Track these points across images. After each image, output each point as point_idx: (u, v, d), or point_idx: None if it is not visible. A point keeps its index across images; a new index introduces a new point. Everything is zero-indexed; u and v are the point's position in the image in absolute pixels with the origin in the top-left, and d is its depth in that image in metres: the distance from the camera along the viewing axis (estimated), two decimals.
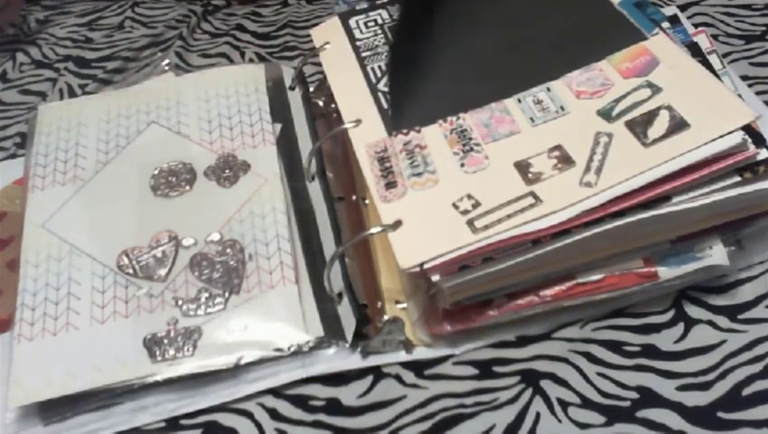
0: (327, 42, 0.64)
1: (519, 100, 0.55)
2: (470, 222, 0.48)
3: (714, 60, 0.58)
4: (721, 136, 0.47)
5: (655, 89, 0.52)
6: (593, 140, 0.50)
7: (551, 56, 0.57)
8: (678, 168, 0.47)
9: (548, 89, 0.55)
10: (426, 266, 0.46)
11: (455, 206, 0.49)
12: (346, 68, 0.61)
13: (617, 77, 0.54)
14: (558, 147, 0.51)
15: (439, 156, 0.52)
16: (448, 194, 0.50)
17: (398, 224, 0.49)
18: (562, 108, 0.53)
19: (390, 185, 0.51)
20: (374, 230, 0.50)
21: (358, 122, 0.56)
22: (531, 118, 0.53)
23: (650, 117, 0.50)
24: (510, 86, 0.55)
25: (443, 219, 0.48)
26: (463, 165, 0.52)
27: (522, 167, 0.50)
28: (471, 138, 0.53)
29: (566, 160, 0.50)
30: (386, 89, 0.58)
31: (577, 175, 0.48)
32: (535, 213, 0.47)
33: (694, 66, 0.53)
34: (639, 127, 0.50)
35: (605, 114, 0.51)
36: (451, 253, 0.46)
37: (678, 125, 0.49)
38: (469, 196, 0.49)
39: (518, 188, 0.49)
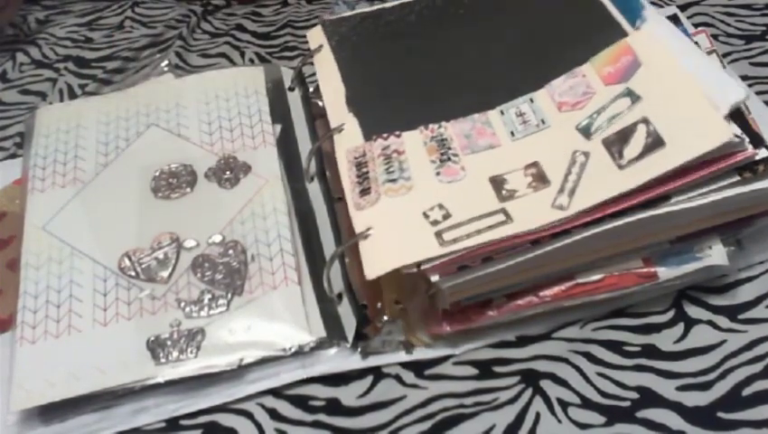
0: (321, 45, 0.64)
1: (503, 112, 0.54)
2: (438, 234, 0.47)
3: (714, 60, 0.58)
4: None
5: (635, 98, 0.51)
6: (570, 159, 0.50)
7: (536, 57, 0.57)
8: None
9: (532, 101, 0.54)
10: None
11: (426, 215, 0.49)
12: (333, 72, 0.61)
13: (599, 84, 0.53)
14: (535, 165, 0.50)
15: (416, 163, 0.52)
16: (420, 202, 0.50)
17: (368, 233, 0.49)
18: (543, 122, 0.53)
19: (365, 192, 0.51)
20: (352, 240, 0.50)
21: (342, 126, 0.56)
22: (512, 132, 0.53)
23: (627, 134, 0.49)
24: (495, 93, 0.55)
25: (412, 228, 0.48)
26: (438, 174, 0.51)
27: (497, 183, 0.50)
28: (450, 148, 0.53)
29: (541, 179, 0.49)
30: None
31: (551, 196, 0.48)
32: (503, 232, 0.47)
33: (675, 68, 0.51)
34: (615, 146, 0.49)
35: (584, 130, 0.51)
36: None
37: (653, 143, 0.48)
38: (440, 206, 0.49)
39: (490, 204, 0.49)
